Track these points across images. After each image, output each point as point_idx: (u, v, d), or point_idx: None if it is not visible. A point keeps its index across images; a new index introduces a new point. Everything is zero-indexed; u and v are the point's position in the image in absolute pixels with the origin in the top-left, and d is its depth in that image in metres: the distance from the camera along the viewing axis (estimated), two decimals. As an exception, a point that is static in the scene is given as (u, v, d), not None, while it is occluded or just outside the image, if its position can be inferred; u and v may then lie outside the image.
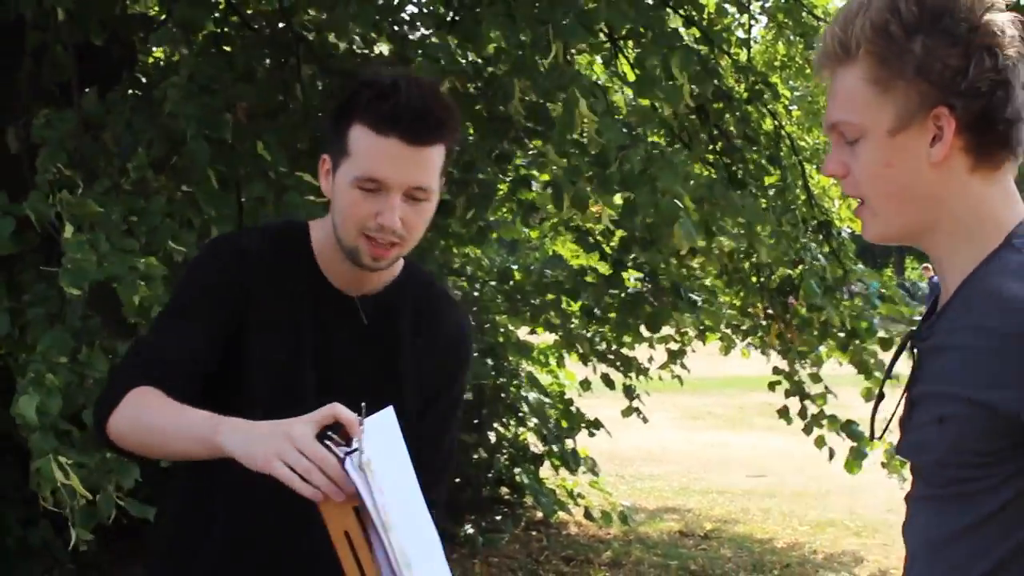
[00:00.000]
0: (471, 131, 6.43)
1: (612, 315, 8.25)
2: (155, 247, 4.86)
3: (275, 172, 5.40)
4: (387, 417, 2.15)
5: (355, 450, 2.03)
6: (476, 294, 9.19)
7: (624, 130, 6.09)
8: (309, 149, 5.96)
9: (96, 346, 4.68)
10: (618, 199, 6.36)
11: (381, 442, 2.09)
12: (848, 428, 8.01)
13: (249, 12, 6.74)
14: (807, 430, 8.61)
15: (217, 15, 6.46)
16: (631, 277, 8.25)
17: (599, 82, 8.07)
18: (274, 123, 5.88)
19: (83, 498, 4.48)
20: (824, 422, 8.27)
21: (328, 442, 2.06)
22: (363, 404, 2.09)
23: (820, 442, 8.22)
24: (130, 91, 6.03)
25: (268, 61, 6.45)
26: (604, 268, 8.49)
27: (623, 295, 8.00)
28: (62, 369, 4.53)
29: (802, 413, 8.58)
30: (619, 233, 7.46)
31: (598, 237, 8.19)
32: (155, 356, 2.48)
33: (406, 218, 2.43)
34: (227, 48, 6.41)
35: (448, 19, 6.45)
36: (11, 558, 7.01)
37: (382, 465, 2.05)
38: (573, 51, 7.31)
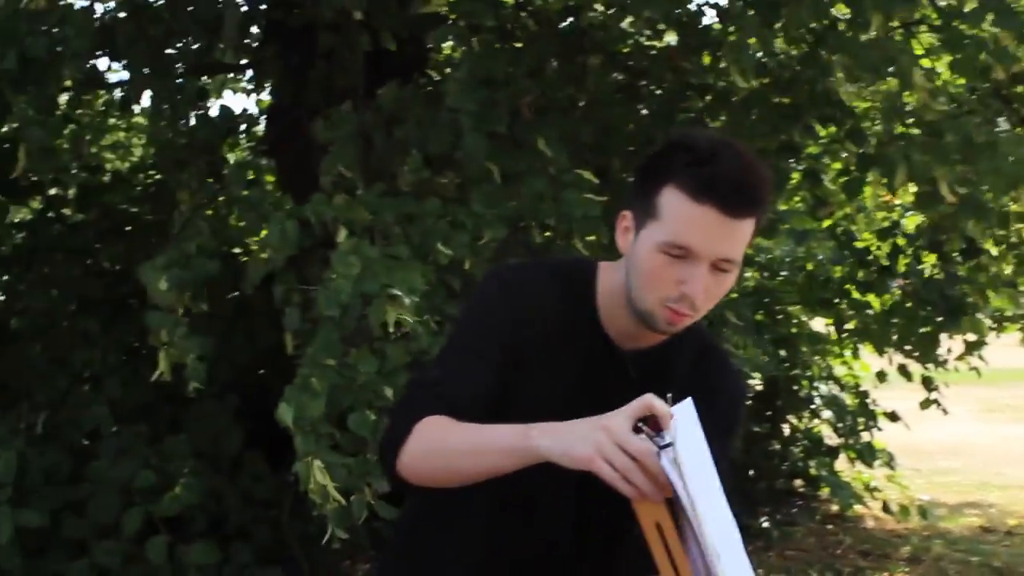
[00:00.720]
0: (762, 121, 6.13)
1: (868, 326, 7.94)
2: (425, 250, 4.73)
3: (555, 168, 5.20)
4: (688, 407, 2.03)
5: (670, 444, 1.94)
6: (768, 285, 8.92)
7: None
8: (592, 144, 5.74)
9: (364, 348, 4.56)
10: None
11: (687, 432, 1.98)
12: None
13: (532, 9, 6.54)
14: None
15: (506, 11, 6.30)
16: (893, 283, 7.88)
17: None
18: (558, 118, 5.67)
19: (336, 500, 4.43)
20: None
21: (643, 434, 1.97)
22: (669, 395, 2.00)
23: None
24: (419, 90, 5.93)
25: (556, 56, 6.26)
26: (863, 274, 8.10)
27: (882, 307, 7.66)
28: (329, 372, 4.45)
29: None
30: (901, 237, 7.06)
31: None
32: (441, 390, 2.34)
33: (708, 288, 2.25)
34: (517, 44, 6.25)
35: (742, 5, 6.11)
36: (315, 544, 7.00)
37: (689, 456, 1.94)
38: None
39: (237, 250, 7.23)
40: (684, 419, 2.00)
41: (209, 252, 5.42)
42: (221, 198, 6.74)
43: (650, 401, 1.97)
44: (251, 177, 5.92)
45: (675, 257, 2.21)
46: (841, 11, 5.63)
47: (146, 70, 5.96)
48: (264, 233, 5.24)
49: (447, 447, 2.24)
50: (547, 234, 5.41)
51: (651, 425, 1.98)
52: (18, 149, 7.50)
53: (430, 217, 4.79)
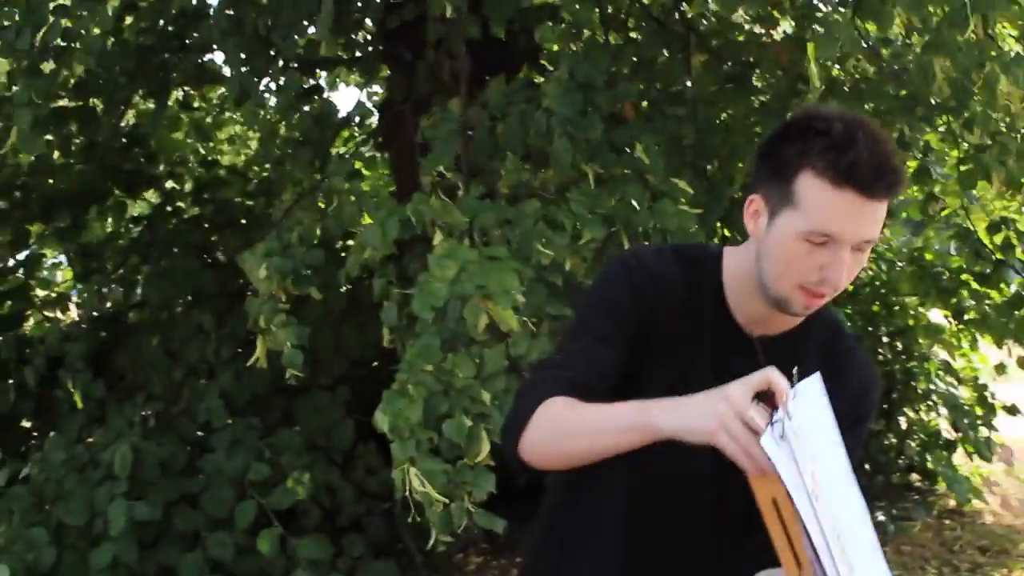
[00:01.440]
0: (874, 113, 5.95)
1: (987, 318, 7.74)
2: (525, 251, 4.65)
3: (653, 176, 5.09)
4: (814, 384, 2.03)
5: (777, 420, 1.91)
6: (884, 276, 8.71)
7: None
8: (695, 144, 5.61)
9: (463, 352, 4.49)
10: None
11: (810, 409, 1.97)
12: None
13: (646, 2, 6.42)
14: None
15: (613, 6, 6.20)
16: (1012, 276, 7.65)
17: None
18: (659, 122, 5.55)
19: (439, 504, 4.42)
20: None
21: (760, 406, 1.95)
22: (794, 370, 1.99)
23: None
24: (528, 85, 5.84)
25: (664, 47, 6.14)
26: (981, 267, 7.87)
27: (1001, 298, 7.44)
28: (427, 377, 4.39)
29: None
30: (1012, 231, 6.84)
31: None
32: (565, 372, 2.35)
33: (848, 270, 2.23)
34: (631, 34, 6.14)
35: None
36: (429, 537, 6.97)
37: (810, 433, 1.92)
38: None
39: (350, 243, 7.22)
40: (810, 394, 1.98)
41: (310, 241, 5.41)
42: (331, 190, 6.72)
43: (770, 375, 1.96)
44: (357, 167, 5.88)
45: (817, 245, 2.19)
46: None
47: (243, 68, 5.95)
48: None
49: (567, 427, 2.24)
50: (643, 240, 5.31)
51: (767, 401, 1.95)
52: (138, 144, 7.59)
53: (529, 219, 4.72)
